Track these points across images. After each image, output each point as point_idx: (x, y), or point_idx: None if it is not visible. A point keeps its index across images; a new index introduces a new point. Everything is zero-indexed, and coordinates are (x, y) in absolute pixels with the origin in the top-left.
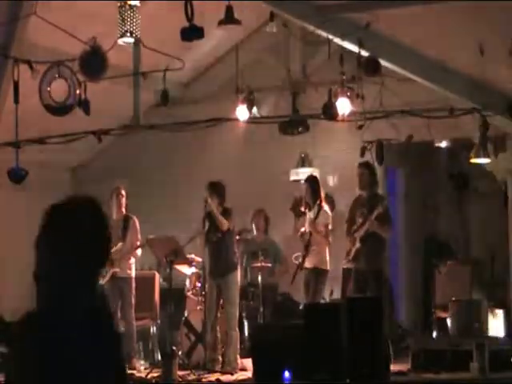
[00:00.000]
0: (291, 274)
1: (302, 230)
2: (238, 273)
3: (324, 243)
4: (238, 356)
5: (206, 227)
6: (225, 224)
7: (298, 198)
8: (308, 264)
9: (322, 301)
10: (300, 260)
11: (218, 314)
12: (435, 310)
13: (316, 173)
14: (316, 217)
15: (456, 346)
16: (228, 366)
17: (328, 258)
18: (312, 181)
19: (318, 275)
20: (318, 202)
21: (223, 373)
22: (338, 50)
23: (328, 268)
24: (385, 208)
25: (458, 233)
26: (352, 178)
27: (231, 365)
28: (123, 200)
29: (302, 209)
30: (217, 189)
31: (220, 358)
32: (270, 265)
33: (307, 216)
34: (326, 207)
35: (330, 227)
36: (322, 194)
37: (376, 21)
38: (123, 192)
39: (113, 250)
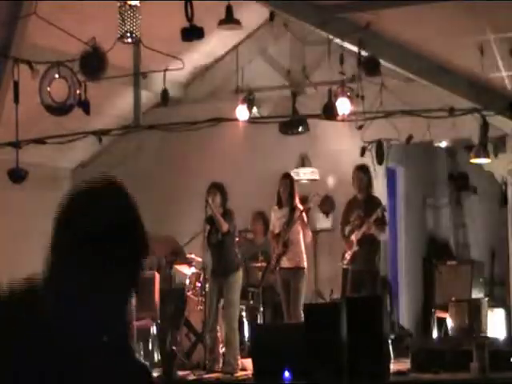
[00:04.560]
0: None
1: (276, 231)
2: (240, 274)
3: (301, 242)
4: (238, 356)
5: (207, 229)
6: (224, 226)
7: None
8: (287, 263)
9: (322, 300)
10: (273, 259)
11: (219, 315)
12: (435, 310)
13: (316, 173)
14: (292, 216)
15: (456, 346)
16: (228, 366)
17: (305, 257)
18: (292, 179)
19: (297, 274)
20: (293, 202)
21: (223, 373)
22: (338, 50)
23: (306, 266)
24: (383, 212)
25: (458, 233)
26: (352, 179)
27: (231, 365)
28: None
29: (276, 207)
30: (218, 190)
31: (220, 359)
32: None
33: (277, 214)
34: (300, 206)
35: (306, 224)
36: (297, 194)
37: (376, 21)
38: None
39: None
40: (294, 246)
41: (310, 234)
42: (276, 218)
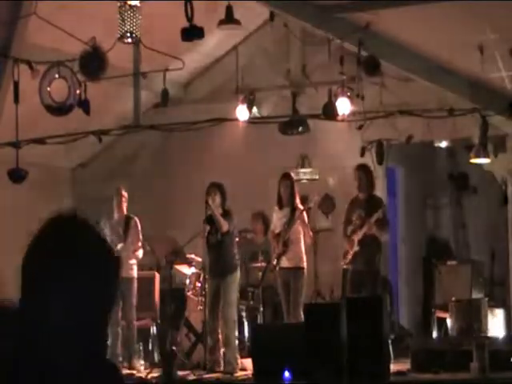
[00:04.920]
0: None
1: (277, 231)
2: (238, 274)
3: (302, 242)
4: (238, 356)
5: (207, 229)
6: (225, 226)
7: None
8: (287, 263)
9: (322, 300)
10: (273, 259)
11: (219, 315)
12: (435, 310)
13: (316, 173)
14: (293, 216)
15: (456, 346)
16: (228, 365)
17: (305, 257)
18: (292, 179)
19: (297, 274)
20: (293, 202)
21: (223, 373)
22: (338, 50)
23: (305, 266)
24: (384, 213)
25: (458, 233)
26: (352, 179)
27: (231, 365)
28: (124, 201)
29: (277, 207)
30: (218, 190)
31: (220, 359)
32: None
33: (278, 215)
34: (300, 206)
35: (307, 223)
36: (298, 194)
37: (376, 21)
38: (124, 193)
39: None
40: (294, 245)
41: (310, 234)
42: (277, 218)
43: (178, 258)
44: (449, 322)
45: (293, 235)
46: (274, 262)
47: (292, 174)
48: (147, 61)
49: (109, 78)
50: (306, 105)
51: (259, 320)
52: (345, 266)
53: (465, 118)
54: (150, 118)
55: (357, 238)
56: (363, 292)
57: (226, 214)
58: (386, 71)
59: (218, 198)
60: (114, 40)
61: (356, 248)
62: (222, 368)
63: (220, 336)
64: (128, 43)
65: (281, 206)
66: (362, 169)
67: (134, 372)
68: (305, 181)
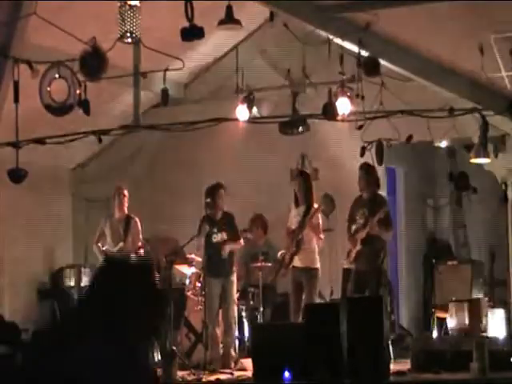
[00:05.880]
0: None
1: (293, 227)
2: (235, 272)
3: (314, 241)
4: (236, 349)
5: (207, 228)
6: (239, 243)
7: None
8: (299, 263)
9: (321, 300)
10: (287, 257)
11: (219, 314)
12: (435, 310)
13: (316, 173)
14: (306, 215)
15: (456, 345)
16: (227, 361)
17: (318, 257)
18: (306, 177)
19: (309, 275)
20: (309, 200)
21: (223, 373)
22: (338, 50)
23: (319, 266)
24: (386, 212)
25: (458, 233)
26: (352, 178)
27: (230, 357)
28: (125, 200)
29: (293, 205)
30: (224, 191)
31: (219, 360)
32: (270, 264)
33: (294, 212)
34: (315, 205)
35: (320, 226)
36: (314, 193)
37: (376, 21)
38: (125, 192)
39: (114, 249)
40: (307, 245)
41: (320, 235)
42: (293, 216)
43: (178, 258)
44: (449, 321)
45: (306, 235)
46: (287, 261)
47: (308, 172)
48: (147, 61)
49: (109, 78)
50: (306, 105)
51: (259, 320)
52: (347, 266)
53: (465, 118)
54: (150, 118)
55: (360, 237)
56: (367, 291)
57: (228, 217)
58: (385, 71)
59: (218, 199)
60: (114, 40)
61: (359, 247)
62: (221, 366)
63: (219, 334)
64: (128, 43)
65: (297, 204)
66: (362, 168)
67: None
68: None
